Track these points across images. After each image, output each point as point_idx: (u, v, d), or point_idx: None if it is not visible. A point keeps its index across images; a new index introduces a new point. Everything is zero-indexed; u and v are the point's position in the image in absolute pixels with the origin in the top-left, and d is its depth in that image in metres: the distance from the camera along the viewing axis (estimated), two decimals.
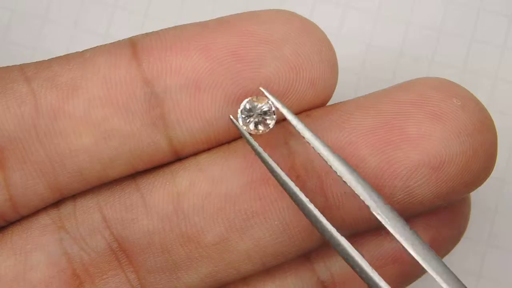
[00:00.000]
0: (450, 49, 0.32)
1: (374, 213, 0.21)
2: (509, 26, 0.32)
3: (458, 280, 0.20)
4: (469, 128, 0.22)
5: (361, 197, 0.21)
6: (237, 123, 0.22)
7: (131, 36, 0.23)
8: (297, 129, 0.22)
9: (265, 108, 0.22)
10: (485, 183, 0.30)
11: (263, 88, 0.22)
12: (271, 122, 0.23)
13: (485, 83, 0.32)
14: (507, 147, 0.31)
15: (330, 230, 0.21)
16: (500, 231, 0.31)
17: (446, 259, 0.30)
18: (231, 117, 0.22)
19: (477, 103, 0.23)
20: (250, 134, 0.23)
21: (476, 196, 0.31)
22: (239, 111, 0.22)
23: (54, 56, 0.23)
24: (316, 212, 0.21)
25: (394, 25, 0.32)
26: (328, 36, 0.24)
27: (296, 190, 0.22)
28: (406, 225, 0.21)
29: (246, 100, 0.22)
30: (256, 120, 0.22)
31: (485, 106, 0.24)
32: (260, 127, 0.23)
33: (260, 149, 0.22)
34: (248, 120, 0.22)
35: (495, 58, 0.32)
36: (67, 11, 0.32)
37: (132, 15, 0.32)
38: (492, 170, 0.24)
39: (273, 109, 0.22)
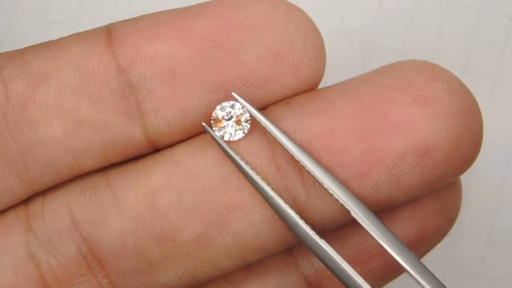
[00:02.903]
0: (450, 49, 0.32)
1: (353, 215, 0.21)
2: (510, 26, 0.32)
3: (436, 278, 0.20)
4: (455, 111, 0.21)
5: (339, 201, 0.21)
6: (210, 130, 0.22)
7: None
8: (274, 135, 0.21)
9: (238, 112, 0.22)
10: (485, 183, 0.30)
11: (235, 92, 0.22)
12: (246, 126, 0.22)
13: (485, 83, 0.32)
14: (507, 147, 0.31)
15: (306, 229, 0.21)
16: (500, 231, 0.31)
17: (445, 259, 0.31)
18: (204, 124, 0.22)
19: (462, 86, 0.22)
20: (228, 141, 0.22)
21: (476, 197, 0.31)
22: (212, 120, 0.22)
23: None
24: (291, 212, 0.21)
25: (394, 24, 0.32)
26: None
27: (272, 193, 0.21)
28: (386, 228, 0.21)
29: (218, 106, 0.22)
30: (232, 128, 0.22)
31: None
32: (238, 134, 0.22)
33: (233, 154, 0.21)
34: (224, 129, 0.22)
35: (495, 58, 0.32)
36: (67, 11, 0.32)
37: (132, 15, 0.32)
38: (477, 155, 0.23)
39: (247, 114, 0.22)
